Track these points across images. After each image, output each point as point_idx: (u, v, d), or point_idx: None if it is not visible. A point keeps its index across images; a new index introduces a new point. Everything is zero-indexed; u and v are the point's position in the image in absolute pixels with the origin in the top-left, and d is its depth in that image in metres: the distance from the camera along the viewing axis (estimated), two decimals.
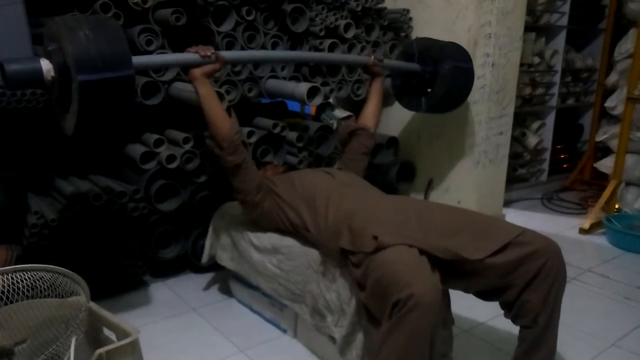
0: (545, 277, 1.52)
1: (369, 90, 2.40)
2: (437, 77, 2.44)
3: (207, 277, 2.55)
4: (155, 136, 2.30)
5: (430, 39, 2.61)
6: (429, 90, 2.52)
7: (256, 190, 1.94)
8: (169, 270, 2.55)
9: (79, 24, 1.50)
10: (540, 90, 4.04)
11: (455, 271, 1.53)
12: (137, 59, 1.66)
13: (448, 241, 1.53)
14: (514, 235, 1.55)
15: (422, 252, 1.46)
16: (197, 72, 1.86)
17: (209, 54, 1.87)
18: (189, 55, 1.86)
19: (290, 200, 1.90)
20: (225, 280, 2.42)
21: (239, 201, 2.05)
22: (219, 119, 1.88)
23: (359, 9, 2.82)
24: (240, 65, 2.53)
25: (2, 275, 1.32)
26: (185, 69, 1.97)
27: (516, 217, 3.47)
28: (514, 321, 1.62)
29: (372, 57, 2.35)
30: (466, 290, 1.67)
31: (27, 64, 1.51)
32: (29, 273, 1.35)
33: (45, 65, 1.52)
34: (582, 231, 3.25)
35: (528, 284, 1.53)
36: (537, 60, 3.93)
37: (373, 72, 2.38)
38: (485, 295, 1.66)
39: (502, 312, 1.66)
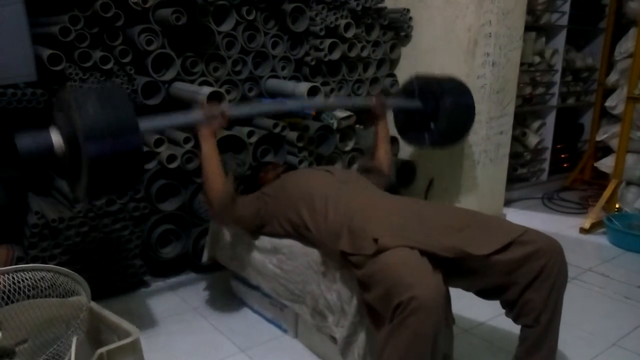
0: (547, 277, 1.52)
1: (376, 135, 2.36)
2: (439, 113, 2.46)
3: (208, 277, 2.55)
4: (156, 136, 2.30)
5: (429, 75, 2.63)
6: (431, 125, 2.54)
7: (254, 220, 1.97)
8: (169, 270, 2.55)
9: (87, 97, 1.52)
10: (540, 90, 4.04)
11: (457, 270, 1.53)
12: (144, 125, 1.68)
13: (451, 239, 1.53)
14: (517, 234, 1.55)
15: (423, 253, 1.46)
16: (203, 129, 1.87)
17: (214, 112, 1.87)
18: (195, 115, 1.87)
19: (288, 204, 1.89)
20: (226, 280, 2.42)
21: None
22: (215, 179, 1.87)
23: (359, 8, 2.82)
24: (240, 64, 2.54)
25: (3, 275, 1.32)
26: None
27: (516, 216, 3.47)
28: (516, 320, 1.62)
29: (375, 99, 2.34)
30: (467, 289, 1.67)
31: (39, 138, 1.52)
32: (29, 273, 1.35)
33: (56, 138, 1.54)
34: (583, 231, 3.25)
35: (530, 283, 1.53)
36: (537, 59, 3.93)
37: (376, 114, 2.35)
38: (486, 294, 1.66)
39: (503, 311, 1.66)
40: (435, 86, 2.46)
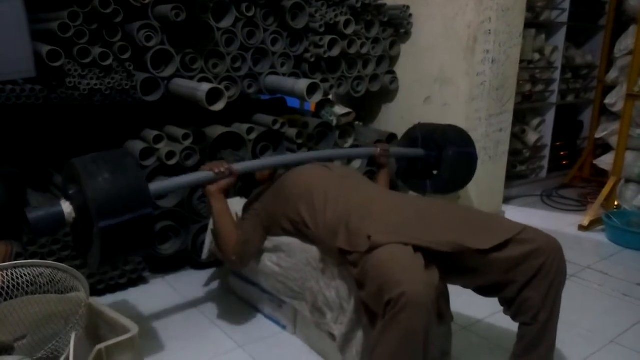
0: (546, 275, 1.52)
1: (378, 183, 2.34)
2: (442, 162, 2.49)
3: (207, 273, 2.56)
4: (155, 132, 2.30)
5: (432, 124, 2.65)
6: (434, 172, 2.56)
7: (264, 237, 1.98)
8: (168, 266, 2.55)
9: (97, 167, 1.51)
10: (540, 87, 4.04)
11: (456, 267, 1.53)
12: (154, 189, 1.67)
13: (449, 234, 1.53)
14: (515, 232, 1.55)
15: (419, 249, 1.46)
16: (213, 188, 1.84)
17: (222, 169, 1.84)
18: (203, 174, 1.84)
19: (288, 204, 1.89)
20: (224, 276, 2.42)
21: None
22: (229, 235, 1.85)
23: (359, 5, 2.82)
24: (239, 61, 2.53)
25: (2, 271, 1.32)
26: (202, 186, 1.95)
27: (516, 213, 3.47)
28: (514, 318, 1.62)
29: (378, 148, 2.33)
30: (466, 286, 1.67)
31: (49, 210, 1.51)
32: (28, 269, 1.36)
33: (67, 208, 1.53)
34: (582, 228, 3.25)
35: (529, 282, 1.54)
36: (537, 56, 3.92)
37: (379, 163, 2.34)
38: (485, 291, 1.66)
39: (502, 308, 1.66)
40: (439, 135, 2.51)
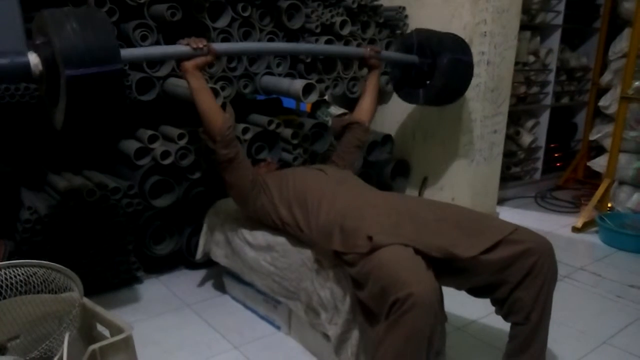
0: (537, 275, 1.53)
1: (365, 84, 2.38)
2: (436, 70, 2.42)
3: (201, 273, 2.55)
4: (150, 132, 2.29)
5: (429, 30, 2.60)
6: (427, 82, 2.51)
7: (250, 186, 1.94)
8: (163, 266, 2.55)
9: (66, 17, 1.48)
10: (534, 89, 4.05)
11: (447, 268, 1.53)
12: (126, 52, 1.64)
13: (440, 239, 1.53)
14: (506, 233, 1.55)
15: (416, 251, 1.47)
16: (189, 64, 1.83)
17: (200, 45, 1.83)
18: (180, 48, 1.82)
19: (282, 199, 1.89)
20: (219, 276, 2.42)
21: (232, 197, 2.04)
22: (212, 112, 1.85)
23: (355, 6, 2.82)
24: (235, 61, 2.53)
25: None
26: (177, 62, 1.94)
27: (510, 215, 3.48)
28: (506, 318, 1.63)
29: (369, 49, 2.33)
30: (458, 288, 1.68)
31: (15, 58, 1.49)
32: (22, 269, 1.35)
33: (33, 59, 1.50)
34: (575, 229, 3.27)
35: (520, 282, 1.54)
36: (532, 58, 3.94)
37: (370, 64, 2.35)
38: (477, 292, 1.67)
39: (494, 309, 1.67)
40: (435, 42, 2.43)
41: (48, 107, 1.70)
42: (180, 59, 1.85)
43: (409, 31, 3.06)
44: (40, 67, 1.51)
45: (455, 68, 2.43)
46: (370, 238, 1.49)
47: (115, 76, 1.52)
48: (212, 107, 1.85)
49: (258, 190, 1.95)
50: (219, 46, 1.89)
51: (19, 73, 1.50)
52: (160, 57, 1.95)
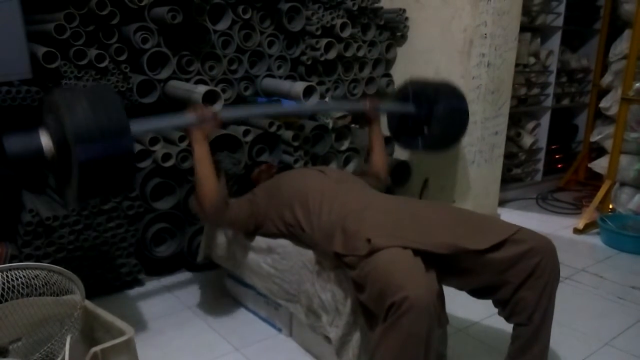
0: (540, 276, 1.53)
1: (370, 139, 2.35)
2: (433, 118, 2.45)
3: (203, 275, 2.55)
4: (151, 134, 2.29)
5: (424, 79, 2.62)
6: (425, 130, 2.53)
7: (248, 223, 1.96)
8: (164, 268, 2.55)
9: (77, 99, 1.49)
10: (535, 91, 4.05)
11: (451, 268, 1.53)
12: (136, 128, 1.64)
13: (446, 236, 1.53)
14: (511, 233, 1.55)
15: (417, 252, 1.47)
16: (196, 133, 1.83)
17: (207, 114, 1.84)
18: (187, 117, 1.83)
19: (283, 205, 1.89)
20: (220, 279, 2.42)
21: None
22: (209, 181, 1.84)
23: (355, 8, 2.82)
24: (236, 63, 2.53)
25: None
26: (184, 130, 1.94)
27: (511, 216, 3.48)
28: (508, 319, 1.63)
29: (368, 102, 2.32)
30: (461, 288, 1.68)
31: (28, 141, 1.49)
32: (24, 271, 1.35)
33: (46, 141, 1.51)
34: (577, 231, 3.27)
35: (523, 282, 1.54)
36: (532, 60, 3.94)
37: (370, 117, 2.34)
38: (479, 293, 1.66)
39: (496, 310, 1.66)
40: (430, 91, 2.46)
41: (57, 185, 1.70)
42: (187, 127, 1.85)
43: (408, 37, 3.08)
44: (52, 149, 1.51)
45: (452, 116, 2.46)
46: (368, 240, 1.49)
47: (126, 155, 1.54)
48: (210, 177, 1.85)
49: (257, 218, 1.96)
50: (225, 113, 1.91)
51: (32, 155, 1.49)
52: (169, 127, 1.99)
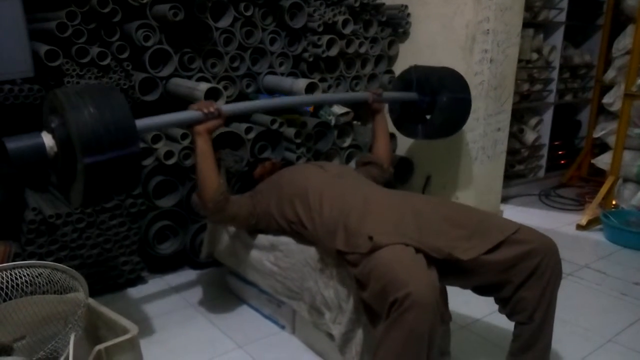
0: (541, 275, 1.53)
1: (374, 129, 2.35)
2: (435, 108, 2.44)
3: (205, 273, 2.56)
4: (153, 132, 2.29)
5: (428, 67, 2.61)
6: (427, 117, 2.52)
7: (249, 219, 1.96)
8: (167, 266, 2.55)
9: (82, 99, 1.44)
10: (538, 87, 4.04)
11: (451, 268, 1.53)
12: (141, 125, 1.61)
13: (440, 240, 1.54)
14: (509, 233, 1.55)
15: (418, 249, 1.47)
16: (202, 128, 1.82)
17: (212, 110, 1.83)
18: (192, 113, 1.82)
19: (283, 201, 1.89)
20: (223, 276, 2.42)
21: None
22: (210, 177, 1.83)
23: (357, 4, 2.82)
24: (238, 60, 2.53)
25: (1, 272, 1.32)
26: (188, 126, 1.92)
27: (514, 213, 3.48)
28: (509, 317, 1.63)
29: (371, 94, 2.31)
30: (463, 287, 1.68)
31: (29, 141, 1.45)
32: (27, 269, 1.35)
33: (48, 141, 1.46)
34: (580, 227, 3.26)
35: (524, 282, 1.54)
36: (535, 56, 3.93)
37: (373, 108, 2.33)
38: (482, 290, 1.66)
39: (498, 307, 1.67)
40: (433, 79, 2.45)
41: (60, 185, 1.67)
42: (192, 124, 1.84)
43: (410, 33, 3.07)
44: (55, 149, 1.47)
45: (455, 106, 2.45)
46: (370, 238, 1.49)
47: (133, 157, 1.50)
48: (212, 173, 1.84)
49: (257, 215, 1.96)
50: (228, 108, 1.90)
51: (32, 155, 1.45)
52: (173, 124, 1.95)
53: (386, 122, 2.38)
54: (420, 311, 1.29)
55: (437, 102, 2.42)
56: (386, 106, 2.54)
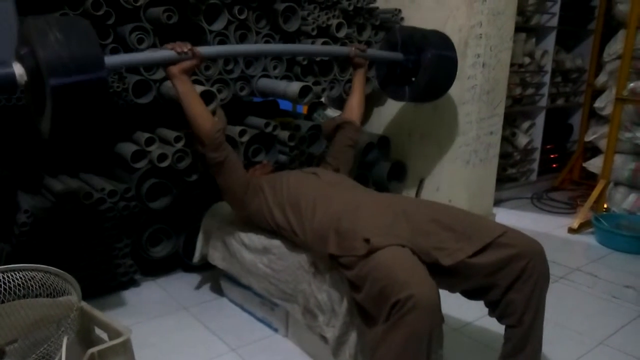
0: (528, 278, 1.53)
1: (353, 82, 2.40)
2: (420, 67, 2.44)
3: (199, 276, 2.55)
4: (147, 135, 2.29)
5: (413, 27, 2.62)
6: (412, 79, 2.52)
7: (243, 190, 1.94)
8: (160, 269, 2.55)
9: (49, 26, 1.48)
10: (530, 91, 4.07)
11: (439, 270, 1.54)
12: (110, 59, 1.65)
13: (427, 242, 1.55)
14: (495, 236, 1.55)
15: (412, 251, 1.48)
16: (174, 69, 1.83)
17: (185, 50, 1.83)
18: (164, 53, 1.82)
19: (277, 202, 1.89)
20: (216, 279, 2.42)
21: (227, 201, 2.05)
22: (200, 116, 1.84)
23: (351, 8, 2.83)
24: (232, 63, 2.53)
25: None
26: (164, 67, 1.93)
27: (506, 216, 3.49)
28: (499, 320, 1.64)
29: (354, 48, 2.34)
30: (451, 290, 1.68)
31: (0, 69, 1.49)
32: (20, 273, 1.35)
33: (18, 69, 1.51)
34: (571, 230, 3.28)
35: (511, 285, 1.55)
36: (527, 60, 3.96)
37: (355, 63, 2.37)
38: (470, 294, 1.67)
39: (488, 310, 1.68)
40: (418, 38, 2.45)
41: (34, 116, 1.70)
42: (165, 64, 1.84)
43: (392, 29, 3.08)
44: (25, 77, 1.51)
45: (440, 64, 2.46)
46: (367, 240, 1.49)
47: (100, 83, 1.53)
48: (200, 111, 1.84)
49: (252, 193, 1.95)
50: (203, 49, 1.90)
51: (4, 84, 1.50)
52: (145, 62, 1.96)
53: (365, 78, 2.42)
54: (422, 312, 1.30)
55: (422, 60, 2.43)
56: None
